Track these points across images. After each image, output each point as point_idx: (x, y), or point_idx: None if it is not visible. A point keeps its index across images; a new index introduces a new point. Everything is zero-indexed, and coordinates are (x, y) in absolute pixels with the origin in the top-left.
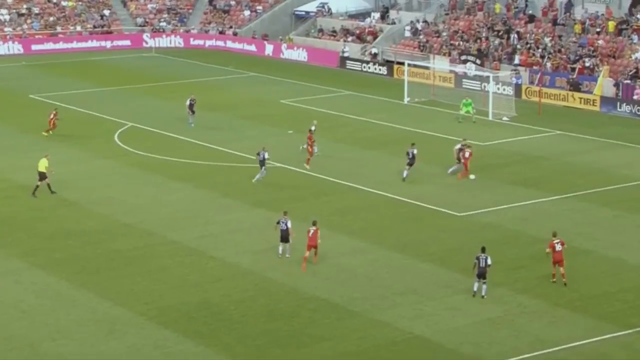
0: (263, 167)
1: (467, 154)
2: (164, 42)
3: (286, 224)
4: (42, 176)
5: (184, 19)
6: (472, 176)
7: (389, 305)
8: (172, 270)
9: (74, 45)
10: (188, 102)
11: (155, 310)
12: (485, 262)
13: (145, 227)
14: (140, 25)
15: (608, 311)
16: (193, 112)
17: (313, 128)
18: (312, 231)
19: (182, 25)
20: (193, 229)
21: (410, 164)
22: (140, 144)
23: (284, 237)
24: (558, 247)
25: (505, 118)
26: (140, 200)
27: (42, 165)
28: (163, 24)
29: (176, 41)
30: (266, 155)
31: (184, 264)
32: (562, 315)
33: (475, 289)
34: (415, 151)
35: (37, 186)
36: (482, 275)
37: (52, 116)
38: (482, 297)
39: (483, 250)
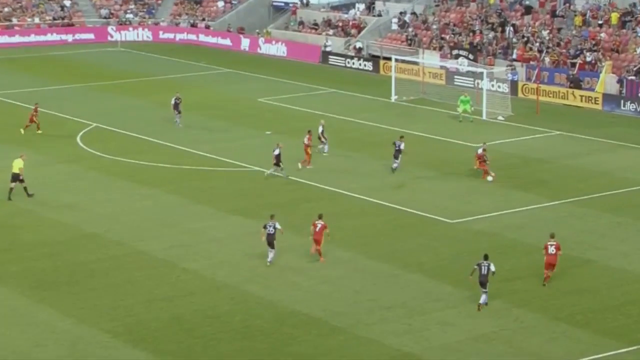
0: (278, 166)
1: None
2: (130, 35)
3: (274, 227)
4: (16, 177)
5: (152, 10)
6: (490, 178)
7: (376, 320)
8: (141, 284)
9: (32, 38)
10: (173, 102)
11: (122, 328)
12: (488, 269)
13: (110, 236)
14: (104, 17)
15: (611, 326)
16: (179, 111)
17: (320, 129)
18: (319, 226)
19: (151, 17)
20: (163, 238)
21: (396, 157)
22: (106, 146)
23: (270, 242)
24: (551, 250)
25: (500, 117)
26: (106, 207)
27: (17, 166)
28: (130, 15)
29: (144, 34)
30: (277, 152)
31: (154, 277)
32: (563, 331)
33: (481, 301)
34: (402, 145)
35: (12, 189)
36: (483, 284)
37: (33, 112)
38: (479, 305)
39: (486, 257)
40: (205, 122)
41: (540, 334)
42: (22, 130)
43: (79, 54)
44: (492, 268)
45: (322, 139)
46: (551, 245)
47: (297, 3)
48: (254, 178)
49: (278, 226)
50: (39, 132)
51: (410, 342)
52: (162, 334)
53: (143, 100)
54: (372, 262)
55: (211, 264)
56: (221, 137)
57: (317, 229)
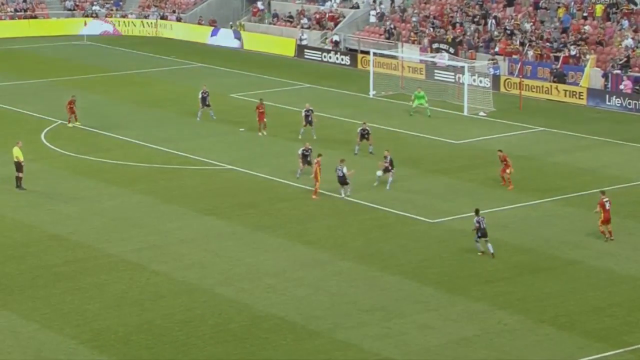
0: (305, 164)
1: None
2: (97, 28)
3: (342, 170)
4: (19, 166)
5: (119, 2)
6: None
7: (354, 323)
8: (108, 287)
9: None
10: (200, 95)
11: (89, 333)
12: (483, 223)
13: (76, 238)
14: (69, 10)
15: (597, 328)
16: (208, 104)
17: (365, 128)
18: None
19: (118, 9)
20: (132, 240)
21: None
22: (71, 144)
23: (343, 182)
24: (608, 206)
25: (482, 113)
26: (71, 208)
27: (15, 154)
28: (96, 8)
29: (111, 27)
30: (344, 170)
31: (122, 280)
32: (547, 333)
33: (481, 248)
34: (368, 129)
35: (20, 178)
36: (485, 234)
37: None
38: (493, 254)
39: (477, 212)
40: (175, 119)
41: (523, 337)
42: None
43: (42, 47)
44: (485, 223)
45: (359, 141)
46: (606, 201)
47: None
48: (226, 177)
49: (345, 170)
50: (70, 125)
51: (389, 347)
52: (130, 340)
53: (110, 96)
54: (349, 263)
55: (182, 266)
56: (192, 134)
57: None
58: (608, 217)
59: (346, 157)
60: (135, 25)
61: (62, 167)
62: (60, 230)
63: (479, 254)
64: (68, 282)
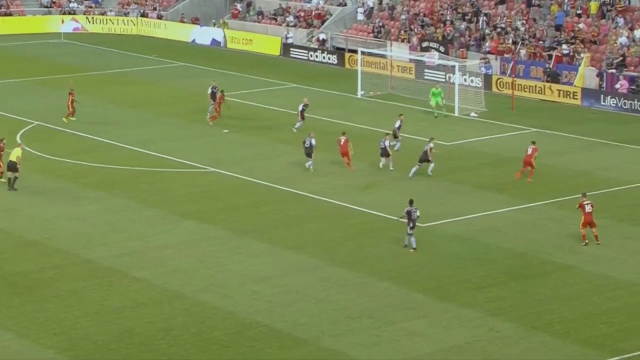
0: (423, 162)
1: (529, 151)
2: (74, 26)
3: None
4: (13, 166)
5: None
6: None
7: (342, 331)
8: (87, 295)
9: None
10: (210, 91)
11: (67, 343)
12: (416, 214)
13: (54, 244)
14: (46, 6)
15: (592, 335)
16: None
17: (398, 124)
18: (342, 140)
19: (97, 6)
20: (111, 245)
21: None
22: (48, 146)
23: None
24: (588, 209)
25: (473, 114)
26: (48, 212)
27: (15, 154)
28: (74, 4)
29: (89, 25)
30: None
31: (101, 287)
32: (541, 341)
33: (410, 243)
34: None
35: (9, 179)
36: (413, 227)
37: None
38: (414, 249)
39: (411, 202)
40: (157, 120)
41: (516, 345)
42: (64, 119)
43: (18, 46)
44: (418, 213)
45: (398, 135)
46: (587, 204)
47: None
48: (209, 179)
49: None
50: (65, 120)
51: (378, 355)
52: (110, 349)
53: (89, 96)
54: (337, 269)
55: (164, 272)
56: (174, 135)
57: (342, 143)
58: (589, 220)
59: (336, 166)
60: (114, 23)
61: (39, 170)
62: (36, 235)
63: (411, 250)
64: (45, 290)
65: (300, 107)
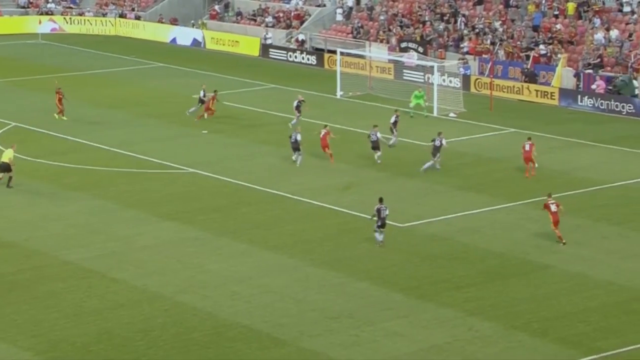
0: (437, 156)
1: (527, 147)
2: (52, 26)
3: (376, 135)
4: (5, 167)
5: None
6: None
7: (321, 331)
8: (65, 296)
9: None
10: (202, 94)
11: (45, 344)
12: (385, 212)
13: (31, 245)
14: (23, 7)
15: (570, 334)
16: (203, 102)
17: (394, 119)
18: (322, 132)
19: (75, 6)
20: (90, 246)
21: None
22: (26, 147)
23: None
24: (553, 208)
25: (452, 114)
26: (26, 214)
27: (7, 156)
28: (51, 5)
29: (67, 26)
30: (378, 135)
31: (80, 289)
32: (519, 340)
33: (380, 238)
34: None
35: (10, 178)
36: (384, 225)
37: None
38: (382, 244)
39: (381, 200)
40: (136, 121)
41: (495, 344)
42: (55, 116)
43: None
44: (387, 211)
45: (394, 131)
46: (552, 204)
47: None
48: (188, 180)
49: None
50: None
51: (357, 355)
52: (89, 351)
53: (67, 97)
54: (316, 269)
55: (143, 273)
56: (153, 136)
57: (322, 136)
58: (556, 220)
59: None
60: (92, 24)
61: (17, 171)
62: (14, 237)
63: (377, 245)
64: (23, 291)
65: (295, 103)
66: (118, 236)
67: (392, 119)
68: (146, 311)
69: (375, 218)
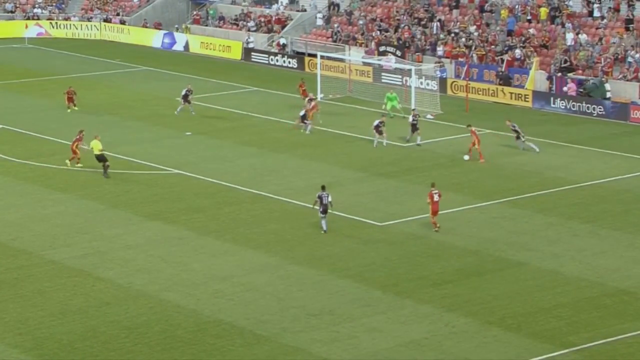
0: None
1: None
2: (38, 31)
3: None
4: (101, 158)
5: (62, 4)
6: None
7: (302, 327)
8: (51, 295)
9: None
10: (183, 92)
11: (31, 342)
12: (327, 199)
13: (18, 245)
14: (9, 12)
15: (543, 329)
16: (189, 102)
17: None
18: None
19: (61, 11)
20: (76, 246)
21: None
22: (12, 148)
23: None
24: (436, 198)
25: (429, 116)
26: (12, 214)
27: (96, 147)
28: (37, 10)
29: (53, 30)
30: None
31: (66, 287)
32: (494, 335)
33: (324, 226)
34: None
35: (108, 166)
36: (325, 211)
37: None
38: (325, 231)
39: (323, 188)
40: (120, 123)
41: (471, 339)
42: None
43: None
44: (330, 198)
45: (383, 133)
46: (435, 193)
47: None
48: (172, 181)
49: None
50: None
51: (338, 350)
52: (75, 348)
53: (53, 99)
54: (297, 267)
55: (127, 271)
56: (137, 138)
57: (311, 106)
58: (436, 209)
59: (296, 166)
60: (77, 28)
61: (3, 172)
62: (1, 237)
63: (322, 232)
64: (9, 290)
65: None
66: (103, 236)
67: (376, 123)
68: (131, 309)
69: (317, 207)
